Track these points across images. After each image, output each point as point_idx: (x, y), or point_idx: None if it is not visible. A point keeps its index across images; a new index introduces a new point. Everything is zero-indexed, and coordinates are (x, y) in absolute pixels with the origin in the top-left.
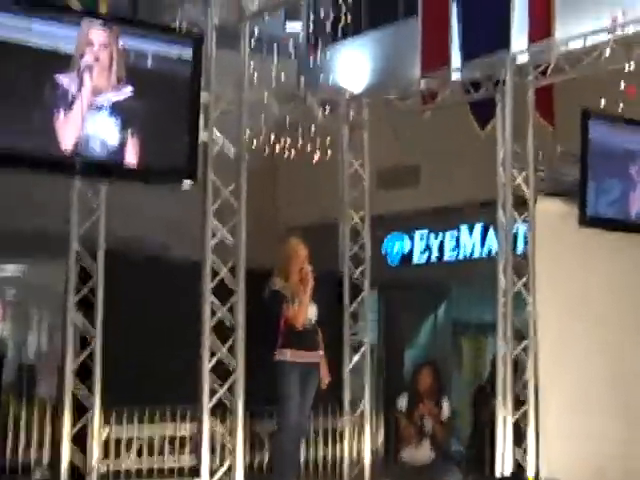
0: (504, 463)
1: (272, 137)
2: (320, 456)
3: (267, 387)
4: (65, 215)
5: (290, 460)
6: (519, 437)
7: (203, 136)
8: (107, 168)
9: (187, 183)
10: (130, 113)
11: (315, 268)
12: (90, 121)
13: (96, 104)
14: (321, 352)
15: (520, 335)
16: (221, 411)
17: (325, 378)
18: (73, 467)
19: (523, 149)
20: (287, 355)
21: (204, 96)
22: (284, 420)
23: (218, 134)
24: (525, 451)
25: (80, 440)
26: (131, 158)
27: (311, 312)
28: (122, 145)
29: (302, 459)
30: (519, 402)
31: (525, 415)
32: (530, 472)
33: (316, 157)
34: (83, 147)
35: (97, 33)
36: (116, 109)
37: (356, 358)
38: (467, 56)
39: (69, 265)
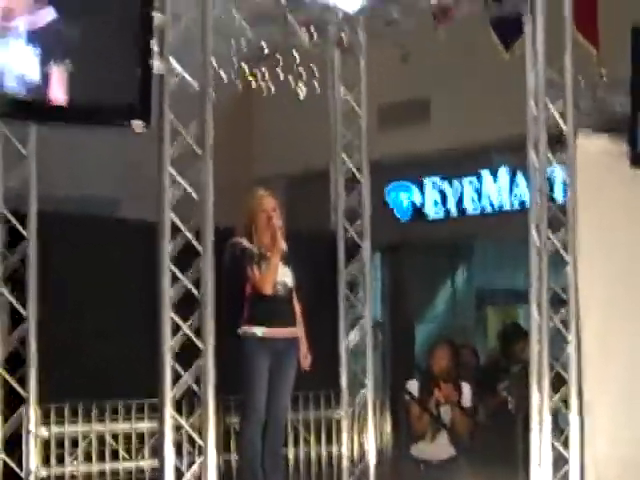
0: (541, 457)
1: (246, 68)
2: (313, 455)
3: (236, 371)
4: None
5: (256, 459)
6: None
7: (158, 67)
8: (27, 107)
9: (138, 125)
10: (56, 39)
11: (302, 226)
12: (2, 51)
13: (9, 30)
14: (296, 328)
15: (558, 302)
16: (186, 402)
17: (305, 358)
18: (6, 474)
19: (559, 75)
20: (253, 330)
21: (158, 17)
22: (248, 411)
23: (176, 64)
24: (566, 442)
25: (12, 442)
26: (58, 94)
27: (284, 275)
28: (46, 79)
29: (291, 457)
30: (558, 384)
31: (566, 399)
32: (573, 467)
33: (301, 92)
34: None
35: None
36: (36, 35)
37: (355, 335)
38: None
39: None
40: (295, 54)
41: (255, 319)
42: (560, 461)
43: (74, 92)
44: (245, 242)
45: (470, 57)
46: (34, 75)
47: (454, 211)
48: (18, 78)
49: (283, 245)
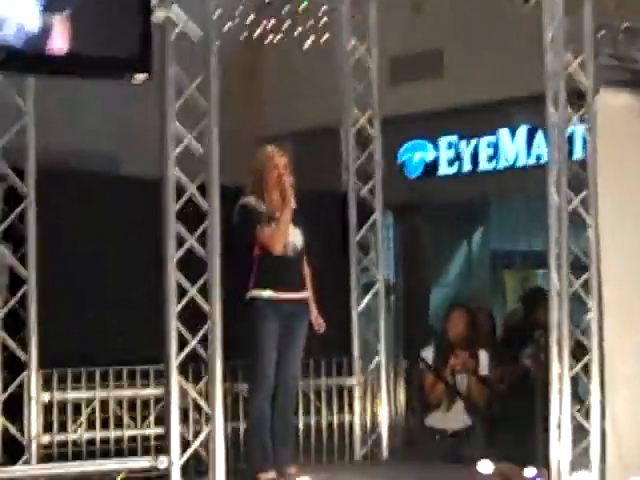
0: (561, 428)
1: (250, 17)
2: (324, 424)
3: (244, 336)
4: None
5: (265, 427)
6: (577, 395)
7: (159, 16)
8: (27, 59)
9: (139, 77)
10: None
11: (310, 184)
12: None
13: None
14: (307, 292)
15: (579, 266)
16: (193, 368)
17: (316, 321)
18: (7, 440)
19: (579, 26)
20: (261, 293)
21: None
22: (257, 378)
23: (179, 11)
24: (587, 413)
25: (13, 408)
26: (59, 45)
27: (294, 236)
28: (45, 30)
29: (301, 426)
30: (579, 352)
31: (587, 368)
32: (595, 437)
33: (308, 42)
34: None
35: None
36: None
37: (367, 299)
38: None
39: None
40: (302, 2)
41: (263, 281)
42: (580, 432)
43: (73, 44)
44: (254, 201)
45: (486, 6)
46: (32, 25)
47: (467, 169)
48: (17, 28)
49: (293, 204)
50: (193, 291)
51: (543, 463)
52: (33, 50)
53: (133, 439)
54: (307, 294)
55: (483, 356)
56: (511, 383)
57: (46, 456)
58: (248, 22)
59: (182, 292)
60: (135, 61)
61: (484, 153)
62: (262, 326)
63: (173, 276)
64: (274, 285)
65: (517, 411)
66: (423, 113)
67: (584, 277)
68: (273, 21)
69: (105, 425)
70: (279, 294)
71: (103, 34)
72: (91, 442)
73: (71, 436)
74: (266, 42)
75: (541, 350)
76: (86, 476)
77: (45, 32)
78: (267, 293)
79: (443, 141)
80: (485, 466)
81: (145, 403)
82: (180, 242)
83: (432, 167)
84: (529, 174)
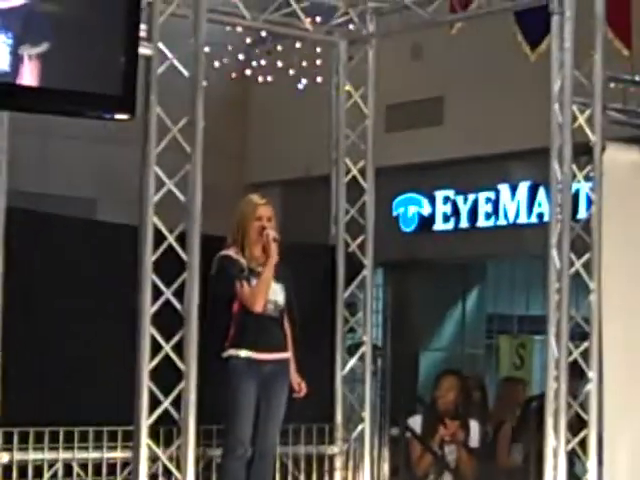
0: None
1: (241, 56)
2: None
3: (219, 398)
4: None
5: None
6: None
7: (143, 53)
8: None
9: (121, 117)
10: (31, 21)
11: (298, 235)
12: None
13: None
14: (288, 353)
15: (580, 334)
16: (165, 431)
17: (298, 385)
18: None
19: (588, 78)
20: (239, 353)
21: None
22: (232, 442)
23: (165, 49)
24: None
25: None
26: (31, 80)
27: (275, 294)
28: (15, 66)
29: None
30: (577, 425)
31: (584, 443)
32: None
33: (301, 85)
34: None
35: None
36: (8, 16)
37: (352, 362)
38: None
39: None
40: (296, 43)
41: (242, 341)
42: None
43: (49, 78)
44: (234, 253)
45: (490, 54)
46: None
47: (465, 224)
48: None
49: (276, 259)
50: (168, 348)
51: None
52: (3, 84)
53: None
54: (288, 354)
55: (474, 427)
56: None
57: None
58: (237, 61)
59: (156, 348)
60: (117, 99)
61: (482, 209)
62: (239, 387)
63: (147, 331)
64: (253, 345)
65: None
66: (419, 164)
67: (584, 345)
68: (264, 62)
69: None
70: (258, 355)
71: (83, 69)
72: None
73: None
74: (256, 82)
75: None
76: None
77: (16, 66)
78: (246, 353)
79: (439, 195)
80: None
81: (112, 467)
82: (156, 294)
83: (427, 222)
84: (529, 233)
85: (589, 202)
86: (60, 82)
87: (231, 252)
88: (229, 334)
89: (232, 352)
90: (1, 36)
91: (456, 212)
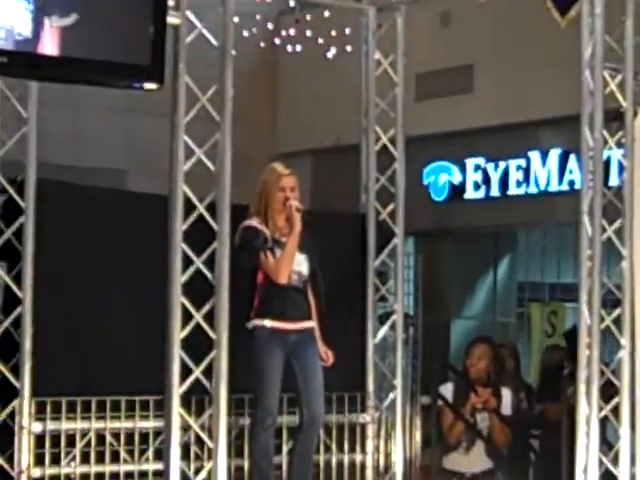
0: (587, 473)
1: (270, 25)
2: (334, 463)
3: (249, 367)
4: None
5: (269, 465)
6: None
7: (172, 22)
8: (21, 61)
9: (149, 86)
10: None
11: (329, 206)
12: None
13: None
14: (312, 322)
15: (612, 300)
16: (196, 400)
17: (325, 354)
18: None
19: (619, 44)
20: (264, 323)
21: None
22: (260, 412)
23: (193, 18)
24: (616, 458)
25: (3, 438)
26: (56, 51)
27: (299, 264)
28: (41, 36)
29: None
30: (609, 392)
31: (617, 410)
32: None
33: (330, 53)
34: None
35: None
36: None
37: (384, 331)
38: None
39: None
40: (325, 12)
41: (267, 311)
42: (608, 479)
43: (77, 48)
44: (257, 223)
45: (519, 20)
46: (26, 28)
47: (496, 192)
48: (7, 30)
49: (299, 230)
50: (199, 317)
51: None
52: (26, 52)
53: (130, 475)
54: (312, 323)
55: (506, 394)
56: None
57: None
58: (266, 30)
59: (187, 318)
60: (146, 69)
61: (513, 177)
62: (264, 357)
63: (178, 300)
64: (278, 315)
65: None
66: (449, 133)
67: (617, 312)
68: (293, 31)
69: (100, 459)
70: (283, 324)
71: (111, 39)
72: (85, 477)
73: (64, 470)
74: (285, 52)
75: None
76: None
77: (37, 34)
78: (269, 323)
79: (470, 163)
80: None
81: (144, 436)
82: (187, 264)
83: (458, 191)
84: (561, 201)
85: (621, 169)
86: (88, 52)
87: (254, 222)
88: (253, 304)
89: (257, 322)
90: (28, 5)
91: (487, 180)
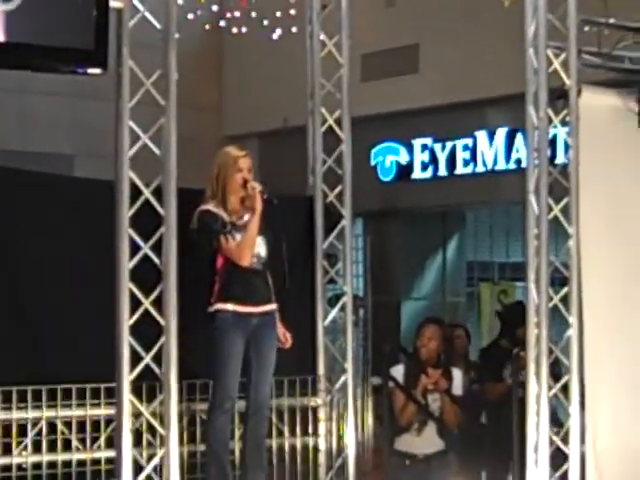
0: (538, 452)
1: (215, 7)
2: (287, 446)
3: (203, 351)
4: None
5: (226, 451)
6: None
7: (115, 6)
8: None
9: (93, 71)
10: None
11: (273, 188)
12: None
13: None
14: (274, 304)
15: (559, 279)
16: (147, 386)
17: (284, 336)
18: None
19: (562, 22)
20: (227, 307)
21: None
22: (219, 396)
23: (136, 2)
24: (566, 437)
25: None
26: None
27: (258, 246)
28: None
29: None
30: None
31: (566, 388)
32: (574, 461)
33: (276, 35)
34: None
35: None
36: None
37: (334, 313)
38: None
39: None
40: None
41: (229, 295)
42: (558, 457)
43: (19, 33)
44: (213, 207)
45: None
46: None
47: (444, 172)
48: None
49: (260, 210)
50: (147, 303)
51: None
52: None
53: (82, 463)
54: (274, 306)
55: (457, 375)
56: (492, 403)
57: None
58: (211, 12)
59: (136, 304)
60: (90, 53)
61: (460, 156)
62: (226, 341)
63: (126, 286)
64: (241, 299)
65: (493, 434)
66: (396, 113)
67: (564, 291)
68: (238, 13)
69: (52, 448)
70: (245, 308)
71: (55, 24)
72: (37, 466)
73: (16, 459)
74: (231, 34)
75: (521, 369)
76: None
77: None
78: (232, 306)
79: (417, 143)
80: None
81: (95, 424)
82: (134, 250)
83: (406, 171)
84: (508, 179)
85: (566, 147)
86: (31, 37)
87: (211, 206)
88: (214, 289)
89: (219, 306)
90: None
91: (434, 160)
